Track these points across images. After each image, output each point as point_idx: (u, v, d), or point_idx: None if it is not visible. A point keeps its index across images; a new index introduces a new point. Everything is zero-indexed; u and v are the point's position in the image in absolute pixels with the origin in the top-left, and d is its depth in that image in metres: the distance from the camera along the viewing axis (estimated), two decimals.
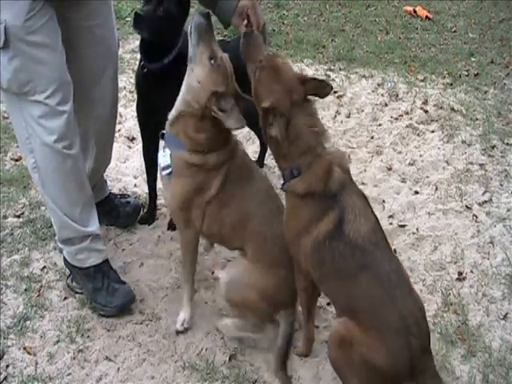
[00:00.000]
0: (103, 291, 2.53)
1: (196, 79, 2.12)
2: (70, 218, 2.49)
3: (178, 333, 2.44)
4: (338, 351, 1.96)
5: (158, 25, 2.56)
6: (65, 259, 2.64)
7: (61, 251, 2.71)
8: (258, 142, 3.54)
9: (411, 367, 1.88)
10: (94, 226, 2.56)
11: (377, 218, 2.06)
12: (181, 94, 2.22)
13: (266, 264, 2.24)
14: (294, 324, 2.27)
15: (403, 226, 3.08)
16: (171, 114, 2.25)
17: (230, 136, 2.27)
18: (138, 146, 3.68)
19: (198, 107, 2.15)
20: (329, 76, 4.61)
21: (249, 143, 3.72)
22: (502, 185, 3.41)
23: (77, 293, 2.62)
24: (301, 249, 2.06)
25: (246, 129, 3.59)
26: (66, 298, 2.61)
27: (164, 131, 2.31)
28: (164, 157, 2.29)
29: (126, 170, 3.51)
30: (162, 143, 2.35)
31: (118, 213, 2.99)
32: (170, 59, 2.61)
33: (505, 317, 2.55)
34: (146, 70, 2.68)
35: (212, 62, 2.09)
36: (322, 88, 2.04)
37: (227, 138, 2.26)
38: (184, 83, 2.19)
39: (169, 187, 2.33)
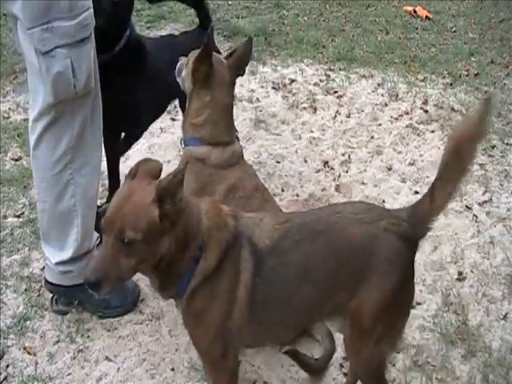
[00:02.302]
0: (114, 293, 2.47)
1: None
2: (90, 229, 2.41)
3: None
4: None
5: (113, 11, 2.52)
6: (52, 285, 2.45)
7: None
8: (258, 142, 3.53)
9: None
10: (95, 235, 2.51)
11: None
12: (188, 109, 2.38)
13: None
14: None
15: None
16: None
17: (233, 131, 2.37)
18: (138, 145, 3.68)
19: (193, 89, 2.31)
20: (329, 76, 4.61)
21: (249, 143, 3.71)
22: (502, 185, 3.42)
23: (67, 312, 2.50)
24: (231, 329, 1.72)
25: (246, 129, 3.59)
26: None
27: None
28: None
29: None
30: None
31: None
32: (121, 47, 2.60)
33: (505, 317, 2.55)
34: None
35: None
36: None
37: (230, 131, 2.35)
38: (191, 103, 2.35)
39: None
